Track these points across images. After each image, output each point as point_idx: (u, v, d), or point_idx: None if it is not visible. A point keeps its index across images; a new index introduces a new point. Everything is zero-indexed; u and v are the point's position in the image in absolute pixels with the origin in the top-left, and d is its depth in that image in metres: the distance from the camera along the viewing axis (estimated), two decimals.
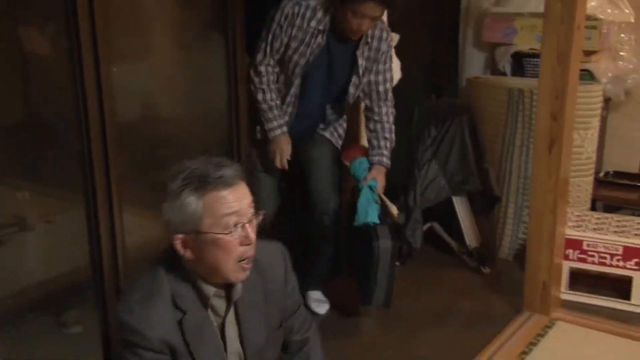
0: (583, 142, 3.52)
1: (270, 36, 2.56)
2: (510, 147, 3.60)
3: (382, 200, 2.74)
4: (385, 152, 2.81)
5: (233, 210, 1.44)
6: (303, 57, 2.57)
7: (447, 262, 3.72)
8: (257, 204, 1.50)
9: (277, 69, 2.64)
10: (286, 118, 2.70)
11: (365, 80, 2.69)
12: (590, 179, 3.66)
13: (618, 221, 3.32)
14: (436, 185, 3.69)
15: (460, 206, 3.71)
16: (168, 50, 2.62)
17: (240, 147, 2.79)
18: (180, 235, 1.45)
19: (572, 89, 2.74)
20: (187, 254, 1.47)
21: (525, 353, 2.71)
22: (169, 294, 1.49)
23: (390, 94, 2.78)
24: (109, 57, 2.17)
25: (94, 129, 2.18)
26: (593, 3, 3.57)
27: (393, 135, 2.84)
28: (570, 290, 3.23)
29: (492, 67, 4.16)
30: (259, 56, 2.60)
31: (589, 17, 3.57)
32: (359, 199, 2.69)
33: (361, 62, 2.63)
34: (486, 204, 3.73)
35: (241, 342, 1.58)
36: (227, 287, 1.54)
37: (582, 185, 3.61)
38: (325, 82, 2.67)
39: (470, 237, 3.70)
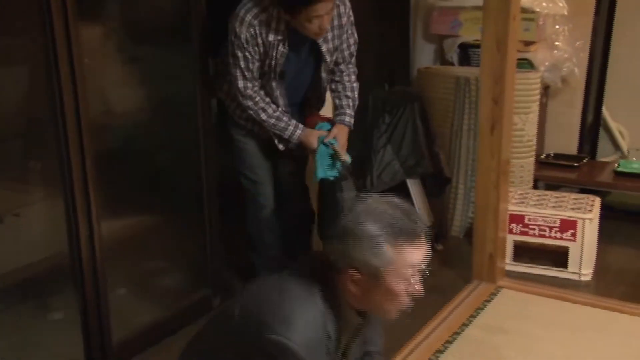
0: (524, 125, 3.81)
1: (242, 62, 2.51)
2: (458, 131, 3.87)
3: (335, 152, 2.73)
4: (348, 111, 2.78)
5: (415, 262, 1.48)
6: (271, 68, 2.57)
7: None
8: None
9: (261, 89, 2.63)
10: (290, 116, 2.69)
11: (334, 58, 2.68)
12: (532, 160, 3.95)
13: (556, 197, 3.61)
14: (391, 169, 3.93)
15: (414, 188, 3.96)
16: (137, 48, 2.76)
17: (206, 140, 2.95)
18: (355, 273, 1.48)
19: (510, 75, 3.01)
20: (353, 288, 1.50)
21: (472, 317, 2.97)
22: (323, 319, 1.50)
23: (353, 57, 2.75)
24: (82, 50, 2.31)
25: (70, 120, 2.32)
26: None
27: (356, 94, 2.80)
28: (514, 261, 3.51)
29: (442, 57, 4.43)
30: (240, 83, 2.56)
31: (526, 10, 3.88)
32: (316, 156, 2.70)
33: (325, 48, 2.60)
34: (438, 186, 3.99)
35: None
36: (363, 315, 1.61)
37: (524, 166, 3.91)
38: (297, 77, 2.68)
39: (423, 216, 3.96)
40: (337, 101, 2.80)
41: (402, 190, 3.98)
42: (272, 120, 2.63)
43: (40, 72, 2.31)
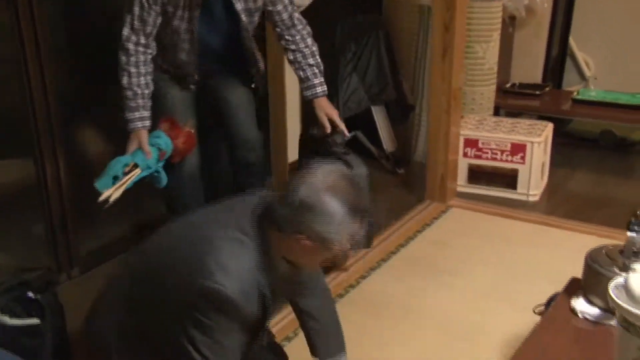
0: (485, 54, 3.93)
1: (137, 9, 2.22)
2: (421, 59, 3.99)
3: (335, 124, 2.57)
4: (317, 80, 2.52)
5: (355, 234, 1.53)
6: (182, 20, 2.30)
7: (369, 166, 4.00)
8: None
9: (150, 50, 2.31)
10: (149, 108, 2.34)
11: (256, 19, 2.44)
12: (493, 88, 4.08)
13: (511, 124, 3.78)
14: (357, 96, 4.08)
15: (378, 115, 4.12)
16: None
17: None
18: (303, 238, 1.51)
19: (461, 2, 3.13)
20: (294, 247, 1.54)
21: (419, 232, 3.19)
22: (257, 266, 1.54)
23: (296, 19, 2.49)
24: None
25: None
26: None
27: (318, 58, 2.54)
28: (469, 183, 3.71)
29: None
30: (126, 31, 2.25)
31: None
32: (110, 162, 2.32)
33: (239, 6, 2.34)
34: (402, 113, 4.15)
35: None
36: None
37: (484, 94, 4.05)
38: (213, 30, 2.42)
39: (387, 142, 4.13)
40: (300, 73, 2.52)
41: (369, 118, 4.17)
42: (129, 92, 2.28)
43: None
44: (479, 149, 3.63)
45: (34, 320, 1.96)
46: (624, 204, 3.42)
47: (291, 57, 2.51)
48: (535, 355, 1.65)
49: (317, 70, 2.53)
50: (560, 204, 3.57)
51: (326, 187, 1.50)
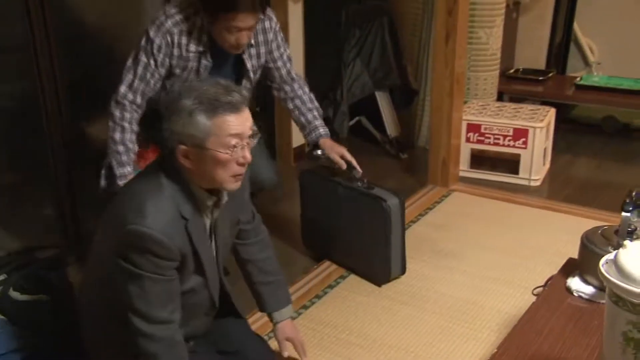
0: (488, 39, 3.95)
1: (140, 69, 2.20)
2: (425, 45, 4.02)
3: (347, 160, 2.58)
4: (318, 122, 2.55)
5: (236, 132, 1.54)
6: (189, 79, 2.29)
7: (372, 151, 4.19)
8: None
9: (141, 110, 2.27)
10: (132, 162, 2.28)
11: (257, 76, 2.44)
12: (496, 73, 4.10)
13: (514, 109, 3.80)
14: (361, 81, 4.12)
15: (382, 100, 4.16)
16: None
17: None
18: (183, 147, 1.54)
19: None
20: (187, 163, 1.57)
21: (421, 215, 3.23)
22: (174, 203, 1.57)
23: (293, 73, 2.52)
24: None
25: None
26: None
27: (316, 102, 2.57)
28: (472, 168, 3.74)
29: None
30: (123, 89, 2.22)
31: None
32: None
33: (249, 65, 2.36)
34: (405, 98, 4.18)
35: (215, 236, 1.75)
36: (216, 192, 1.67)
37: (488, 79, 4.07)
38: None
39: (390, 127, 4.17)
40: (302, 119, 2.55)
41: (374, 104, 4.20)
42: (120, 147, 2.22)
43: None
44: (482, 134, 3.67)
45: (42, 297, 2.01)
46: (625, 188, 3.41)
47: (291, 106, 2.55)
48: (531, 332, 1.69)
49: (316, 113, 2.56)
50: (561, 189, 3.60)
51: (185, 89, 1.56)
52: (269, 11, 2.38)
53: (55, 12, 2.59)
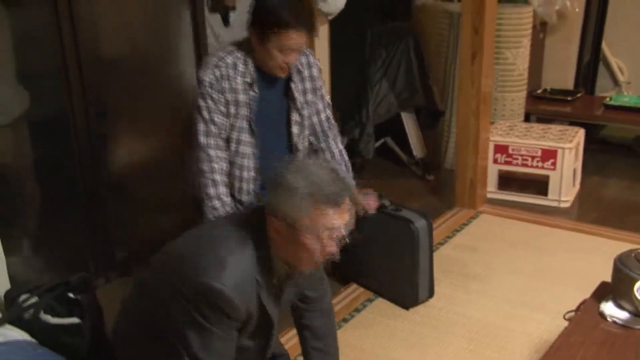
0: (515, 59, 3.94)
1: (205, 112, 2.17)
2: (451, 65, 4.01)
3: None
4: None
5: (331, 226, 1.55)
6: (244, 119, 2.21)
7: (399, 172, 4.18)
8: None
9: (226, 152, 2.22)
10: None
11: (306, 113, 2.33)
12: (523, 94, 4.08)
13: (542, 129, 3.77)
14: (386, 102, 4.11)
15: (408, 121, 4.15)
16: None
17: None
18: (277, 221, 1.56)
19: (490, 6, 3.14)
20: (275, 236, 1.58)
21: (448, 237, 3.20)
22: (253, 265, 1.59)
23: (331, 120, 2.41)
24: None
25: None
26: None
27: (346, 157, 2.44)
28: (499, 189, 3.71)
29: None
30: (201, 140, 2.17)
31: None
32: None
33: (298, 95, 2.29)
34: (431, 119, 4.17)
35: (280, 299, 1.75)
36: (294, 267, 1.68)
37: (515, 100, 4.05)
38: (269, 130, 2.29)
39: (417, 148, 4.16)
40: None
41: (399, 125, 4.20)
42: (216, 202, 2.18)
43: None
44: (509, 155, 3.63)
45: (75, 320, 2.02)
46: None
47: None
48: (564, 358, 1.66)
49: (344, 169, 2.43)
50: (592, 210, 3.55)
51: (301, 168, 1.55)
52: (307, 49, 2.32)
53: (86, 40, 2.64)
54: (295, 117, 2.30)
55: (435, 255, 3.01)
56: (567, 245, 3.07)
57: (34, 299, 2.04)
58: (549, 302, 2.58)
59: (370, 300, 2.66)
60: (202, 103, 2.18)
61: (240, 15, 3.02)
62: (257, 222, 1.62)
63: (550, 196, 3.59)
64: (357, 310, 2.60)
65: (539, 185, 3.63)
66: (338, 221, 1.55)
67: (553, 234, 3.21)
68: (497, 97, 3.98)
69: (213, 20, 2.88)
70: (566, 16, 4.32)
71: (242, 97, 2.20)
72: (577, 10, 4.27)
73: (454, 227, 3.30)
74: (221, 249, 1.58)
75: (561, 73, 4.59)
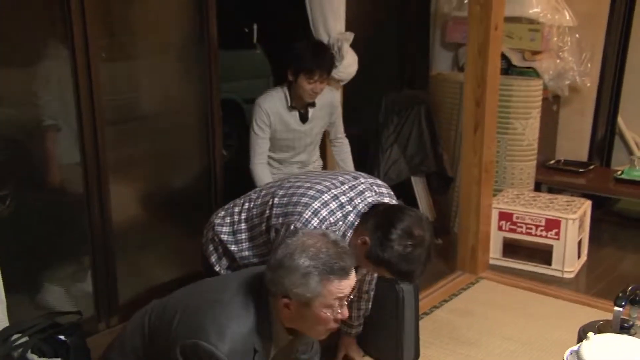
0: (524, 130, 4.01)
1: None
2: (461, 134, 4.09)
3: None
4: (356, 322, 2.59)
5: (343, 295, 1.64)
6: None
7: None
8: None
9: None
10: None
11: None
12: (533, 163, 4.12)
13: (548, 199, 3.80)
14: (397, 166, 4.21)
15: (418, 185, 4.23)
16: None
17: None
18: (286, 300, 1.63)
19: (492, 80, 3.25)
20: (285, 312, 1.65)
21: (445, 301, 3.22)
22: (253, 334, 1.65)
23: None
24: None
25: None
26: (537, 9, 4.05)
27: (369, 304, 2.57)
28: (504, 257, 3.72)
29: (458, 64, 4.66)
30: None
31: (533, 21, 4.08)
32: None
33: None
34: (442, 184, 4.24)
35: None
36: (294, 332, 1.76)
37: (524, 169, 4.09)
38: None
39: (425, 212, 4.21)
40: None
41: (410, 189, 4.27)
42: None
43: None
44: (514, 223, 3.66)
45: None
46: None
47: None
48: None
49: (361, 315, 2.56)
50: (596, 283, 3.53)
51: (300, 245, 1.61)
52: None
53: (102, 99, 2.83)
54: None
55: (429, 318, 3.04)
56: (563, 315, 3.06)
57: (24, 339, 2.15)
58: None
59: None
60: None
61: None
62: (262, 291, 1.68)
63: (554, 266, 3.58)
64: None
65: (544, 255, 3.63)
66: (348, 288, 1.64)
67: (552, 304, 3.20)
68: (506, 166, 4.04)
69: (290, 117, 3.08)
70: (579, 90, 4.39)
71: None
72: (587, 85, 4.34)
73: (452, 291, 3.32)
74: (222, 315, 1.66)
75: (575, 145, 4.63)
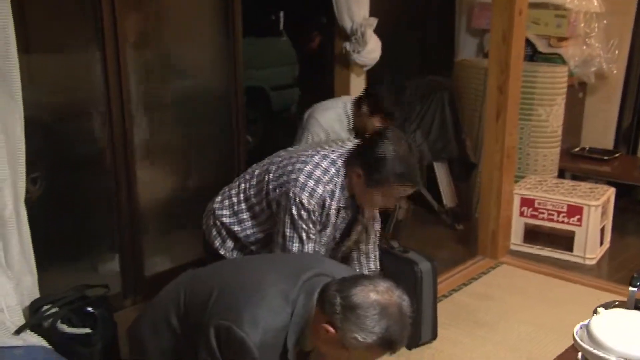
0: (548, 117, 3.99)
1: (303, 233, 2.22)
2: (485, 119, 4.09)
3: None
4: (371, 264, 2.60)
5: (375, 358, 1.65)
6: (327, 231, 2.34)
7: (429, 220, 4.25)
8: None
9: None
10: None
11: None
12: (557, 150, 4.11)
13: (571, 186, 3.79)
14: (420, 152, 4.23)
15: (440, 171, 4.25)
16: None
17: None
18: (331, 329, 1.58)
19: (515, 66, 3.25)
20: (320, 331, 1.61)
21: (464, 284, 3.25)
22: (285, 331, 1.64)
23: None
24: None
25: None
26: None
27: (377, 252, 2.60)
28: (525, 243, 3.73)
29: (483, 50, 4.65)
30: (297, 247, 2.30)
31: (559, 7, 4.05)
32: None
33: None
34: (464, 170, 4.25)
35: None
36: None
37: (547, 156, 4.08)
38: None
39: (447, 198, 4.23)
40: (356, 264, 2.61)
41: (433, 174, 4.29)
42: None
43: None
44: (535, 209, 3.67)
45: (87, 330, 2.20)
46: None
47: (355, 255, 2.55)
48: None
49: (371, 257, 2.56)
50: (618, 270, 3.52)
51: (379, 304, 1.57)
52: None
53: (130, 79, 2.90)
54: (357, 227, 2.43)
55: (448, 300, 3.08)
56: (582, 301, 3.06)
57: (54, 310, 2.23)
58: (552, 354, 2.58)
59: None
60: (302, 224, 2.20)
61: None
62: (309, 293, 1.66)
63: (575, 252, 3.59)
64: None
65: (565, 241, 3.64)
66: (381, 355, 1.62)
67: (570, 288, 3.21)
68: (529, 152, 4.03)
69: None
70: (605, 77, 4.36)
71: (333, 219, 2.28)
72: (614, 72, 4.30)
73: (472, 275, 3.35)
74: (259, 306, 1.64)
75: (601, 132, 4.60)
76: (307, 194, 2.18)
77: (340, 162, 2.23)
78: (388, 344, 1.57)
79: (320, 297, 1.64)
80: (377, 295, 1.57)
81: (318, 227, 2.25)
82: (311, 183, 2.17)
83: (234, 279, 1.79)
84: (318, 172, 2.19)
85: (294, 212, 2.18)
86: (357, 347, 1.56)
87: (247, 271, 1.84)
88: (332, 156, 2.24)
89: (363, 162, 2.17)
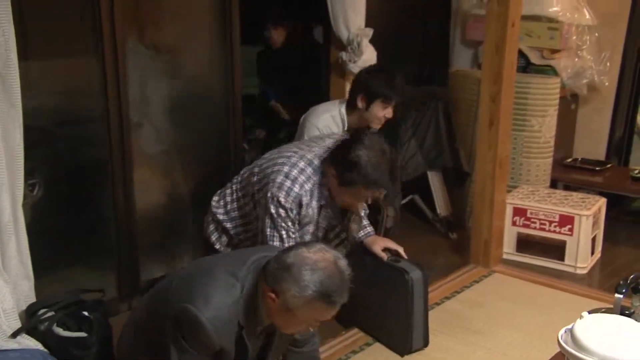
0: (541, 127, 4.04)
1: (283, 232, 2.35)
2: (478, 129, 4.14)
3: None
4: (365, 222, 2.75)
5: (322, 319, 1.76)
6: (320, 229, 2.51)
7: (423, 228, 4.29)
8: None
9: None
10: None
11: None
12: (549, 160, 4.15)
13: (563, 196, 3.83)
14: (414, 161, 4.27)
15: (434, 180, 4.29)
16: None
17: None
18: (273, 295, 1.70)
19: (508, 76, 3.30)
20: (267, 300, 1.73)
21: (457, 292, 3.28)
22: (241, 309, 1.75)
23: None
24: None
25: None
26: (556, 8, 4.08)
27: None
28: (517, 252, 3.77)
29: (477, 61, 4.70)
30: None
31: (552, 20, 4.12)
32: None
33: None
34: (458, 179, 4.29)
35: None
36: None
37: (540, 166, 4.13)
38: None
39: (441, 207, 4.27)
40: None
41: (427, 183, 4.33)
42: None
43: None
44: (528, 219, 3.71)
45: (82, 334, 2.23)
46: None
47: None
48: None
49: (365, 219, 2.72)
50: (609, 279, 3.56)
51: (311, 260, 1.69)
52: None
53: (128, 84, 2.94)
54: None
55: (440, 308, 3.11)
56: (572, 308, 3.08)
57: (50, 313, 2.26)
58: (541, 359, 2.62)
59: (368, 345, 2.77)
60: (281, 222, 2.32)
61: None
62: (255, 271, 1.79)
63: (567, 261, 3.63)
64: (354, 352, 2.71)
65: (557, 250, 3.67)
66: (329, 316, 1.75)
67: (560, 297, 3.25)
68: (522, 162, 4.08)
69: None
70: (597, 89, 4.42)
71: (315, 217, 2.42)
72: (606, 84, 4.36)
73: (464, 283, 3.38)
74: (209, 284, 1.78)
75: (593, 143, 4.65)
76: (284, 193, 2.31)
77: (317, 162, 2.37)
78: (326, 296, 1.66)
79: (263, 271, 1.76)
80: (309, 254, 1.70)
81: (297, 226, 2.38)
82: (288, 183, 2.31)
83: (189, 271, 1.95)
84: (294, 172, 2.32)
85: (273, 210, 2.32)
86: (298, 304, 1.67)
87: (204, 262, 2.01)
88: (308, 156, 2.37)
89: (337, 163, 2.31)
